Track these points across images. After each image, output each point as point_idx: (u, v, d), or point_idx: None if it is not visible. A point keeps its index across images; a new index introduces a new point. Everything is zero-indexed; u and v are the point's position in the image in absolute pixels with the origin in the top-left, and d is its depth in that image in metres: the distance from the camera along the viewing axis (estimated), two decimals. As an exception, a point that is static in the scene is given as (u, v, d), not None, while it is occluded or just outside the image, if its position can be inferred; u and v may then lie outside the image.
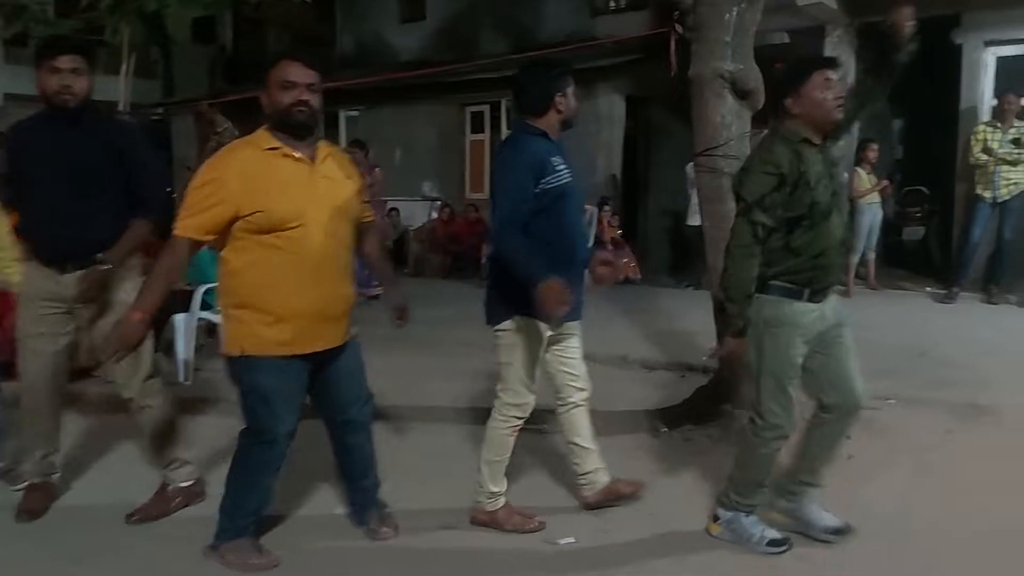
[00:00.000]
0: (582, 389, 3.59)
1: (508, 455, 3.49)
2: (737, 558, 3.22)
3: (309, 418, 3.30)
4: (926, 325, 6.88)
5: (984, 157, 7.93)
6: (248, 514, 3.20)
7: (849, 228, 8.42)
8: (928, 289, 8.41)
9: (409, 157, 12.96)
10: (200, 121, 12.28)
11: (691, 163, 9.11)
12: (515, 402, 3.41)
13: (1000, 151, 7.85)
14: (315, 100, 2.97)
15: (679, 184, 9.66)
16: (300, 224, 2.93)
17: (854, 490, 3.80)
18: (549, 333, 3.37)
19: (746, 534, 3.29)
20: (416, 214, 12.24)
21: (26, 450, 3.74)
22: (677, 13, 4.89)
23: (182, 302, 5.75)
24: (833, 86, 3.08)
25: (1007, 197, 7.88)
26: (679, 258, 10.40)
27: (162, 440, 3.69)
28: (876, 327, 6.45)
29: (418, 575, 3.21)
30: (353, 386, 3.30)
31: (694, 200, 9.12)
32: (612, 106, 11.14)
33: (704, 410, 4.61)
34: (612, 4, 12.12)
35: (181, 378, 5.84)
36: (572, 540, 3.39)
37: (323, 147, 3.08)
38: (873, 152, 8.58)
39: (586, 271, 3.46)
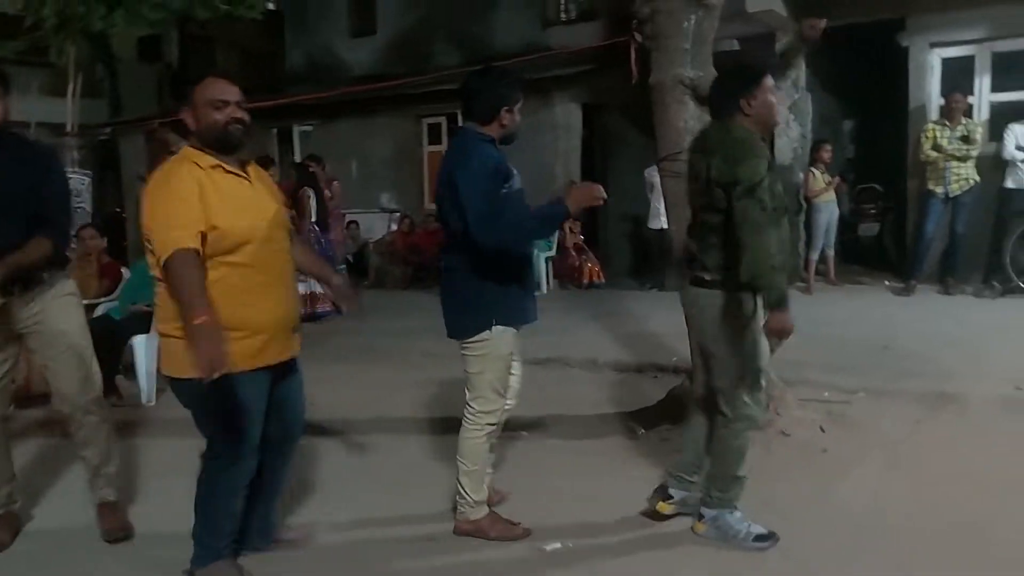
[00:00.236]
0: (509, 400, 3.56)
1: (485, 463, 3.46)
2: (723, 556, 3.22)
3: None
4: (887, 318, 6.99)
5: (934, 154, 8.12)
6: (225, 535, 3.12)
7: (797, 227, 8.69)
8: (886, 283, 8.57)
9: (366, 170, 12.88)
10: (152, 141, 12.12)
11: (649, 168, 9.32)
12: (487, 409, 3.39)
13: (949, 148, 8.03)
14: (246, 116, 2.99)
15: (637, 189, 9.73)
16: (256, 239, 2.91)
17: (830, 485, 3.84)
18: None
19: (732, 531, 3.29)
20: (375, 226, 12.17)
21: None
22: (635, 22, 4.93)
23: (141, 323, 5.61)
24: (774, 92, 3.23)
25: (958, 192, 8.06)
26: (640, 261, 10.48)
27: (105, 456, 3.66)
28: (839, 322, 6.56)
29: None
30: (300, 401, 3.29)
31: (654, 204, 9.25)
32: (569, 115, 11.21)
33: (679, 410, 4.60)
34: (563, 15, 12.20)
35: (144, 400, 5.71)
36: (559, 545, 3.36)
37: (248, 163, 3.07)
38: (827, 152, 8.73)
39: None
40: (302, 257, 3.32)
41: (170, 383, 3.02)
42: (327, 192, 9.28)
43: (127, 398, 5.79)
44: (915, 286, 8.22)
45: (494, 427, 3.44)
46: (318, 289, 8.41)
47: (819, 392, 5.00)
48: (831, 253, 8.94)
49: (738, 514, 3.32)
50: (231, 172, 2.94)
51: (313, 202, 8.86)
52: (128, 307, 5.86)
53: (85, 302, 5.58)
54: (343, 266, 9.56)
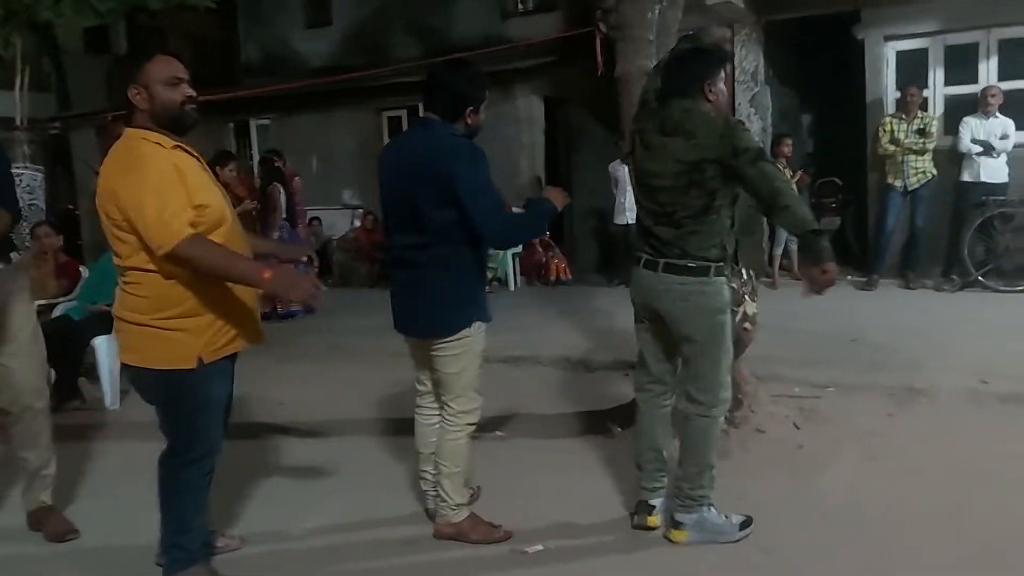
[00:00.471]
0: None
1: (466, 464, 3.41)
2: (706, 554, 3.22)
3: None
4: (852, 312, 7.08)
5: (892, 148, 8.23)
6: (198, 536, 3.04)
7: (760, 222, 8.74)
8: (849, 277, 8.67)
9: (327, 165, 12.70)
10: (104, 135, 11.80)
11: (614, 163, 9.33)
12: (467, 408, 3.35)
13: (907, 141, 8.15)
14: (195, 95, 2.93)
15: (602, 184, 9.73)
16: (226, 220, 2.88)
17: (807, 479, 3.87)
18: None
19: (716, 528, 3.28)
20: (338, 223, 11.99)
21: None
22: (600, 12, 4.91)
23: (102, 324, 5.44)
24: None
25: (917, 186, 8.19)
26: (607, 257, 10.48)
27: (46, 458, 3.61)
28: (805, 316, 6.61)
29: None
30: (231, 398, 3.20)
31: (619, 199, 9.26)
32: (531, 108, 11.17)
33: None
34: (521, 6, 12.16)
35: (108, 403, 5.57)
36: (540, 547, 3.33)
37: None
38: (788, 147, 8.78)
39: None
40: (256, 241, 3.32)
41: (142, 378, 2.90)
42: (291, 187, 9.16)
43: (90, 401, 5.65)
44: (877, 280, 8.33)
45: (474, 427, 3.40)
46: None
47: (790, 388, 5.04)
48: (794, 247, 9.01)
49: (714, 509, 3.31)
50: (190, 153, 2.87)
51: (283, 198, 8.76)
52: (88, 307, 5.69)
53: (42, 303, 5.47)
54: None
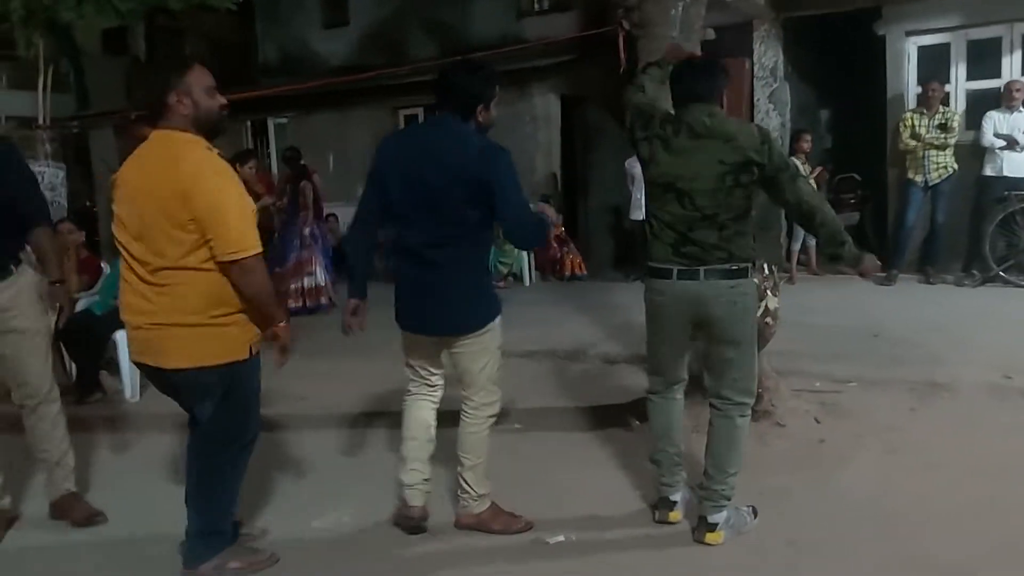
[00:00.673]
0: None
1: (487, 455, 3.42)
2: (728, 546, 3.21)
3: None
4: (872, 307, 7.03)
5: (913, 143, 8.18)
6: (230, 519, 3.15)
7: (779, 218, 8.71)
8: (868, 273, 8.59)
9: (343, 163, 12.75)
10: (124, 135, 11.89)
11: (630, 160, 9.30)
12: (488, 401, 3.39)
13: (928, 136, 8.10)
14: None
15: (618, 181, 9.71)
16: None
17: (828, 474, 3.86)
18: None
19: (740, 520, 3.30)
20: (354, 220, 12.03)
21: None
22: (622, 10, 4.90)
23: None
24: None
25: (938, 181, 8.13)
26: (622, 252, 10.45)
27: (64, 449, 3.67)
28: (825, 311, 6.60)
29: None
30: None
31: (636, 196, 9.22)
32: (548, 106, 11.17)
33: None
34: (536, 6, 12.15)
35: (128, 395, 5.64)
36: (562, 538, 3.34)
37: None
38: (807, 142, 8.73)
39: None
40: None
41: (194, 379, 2.90)
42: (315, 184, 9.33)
43: (111, 394, 5.72)
44: (896, 275, 8.27)
45: (495, 418, 3.43)
46: (320, 282, 8.73)
47: (811, 382, 5.02)
48: (812, 243, 8.97)
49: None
50: (223, 158, 2.97)
51: (312, 194, 8.96)
52: (110, 302, 5.73)
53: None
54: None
